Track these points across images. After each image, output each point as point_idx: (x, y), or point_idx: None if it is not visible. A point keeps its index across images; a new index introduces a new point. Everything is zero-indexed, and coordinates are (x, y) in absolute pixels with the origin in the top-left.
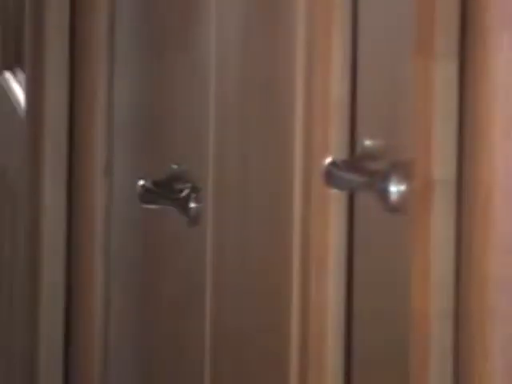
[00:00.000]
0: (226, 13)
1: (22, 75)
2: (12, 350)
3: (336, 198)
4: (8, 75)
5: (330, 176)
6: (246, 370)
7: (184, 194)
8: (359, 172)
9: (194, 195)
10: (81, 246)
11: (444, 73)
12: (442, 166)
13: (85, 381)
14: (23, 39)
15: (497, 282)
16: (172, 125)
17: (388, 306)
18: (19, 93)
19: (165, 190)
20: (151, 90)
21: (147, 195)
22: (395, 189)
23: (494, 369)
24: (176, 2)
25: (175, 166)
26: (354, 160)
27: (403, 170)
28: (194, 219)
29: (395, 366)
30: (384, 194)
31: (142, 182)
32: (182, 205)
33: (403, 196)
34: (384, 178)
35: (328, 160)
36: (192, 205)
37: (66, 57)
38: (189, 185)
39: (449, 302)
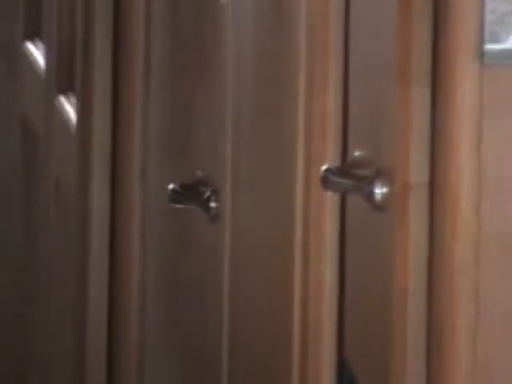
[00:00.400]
0: (241, 47)
1: (73, 98)
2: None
3: (331, 199)
4: (62, 98)
5: (326, 180)
6: (258, 344)
7: (206, 195)
8: (350, 177)
9: (214, 197)
10: (121, 238)
11: (419, 96)
12: (417, 172)
13: (125, 376)
14: (75, 68)
15: (461, 267)
16: (197, 139)
17: (373, 286)
18: (71, 113)
19: (190, 192)
20: (180, 109)
21: (176, 196)
22: (379, 191)
23: (459, 339)
24: (200, 37)
25: (199, 173)
26: (346, 167)
27: (386, 176)
28: (214, 217)
29: (378, 334)
30: (370, 195)
31: (171, 186)
32: (204, 205)
33: (386, 197)
34: (370, 182)
35: (324, 167)
36: (212, 205)
37: (108, 83)
38: (210, 188)
39: (423, 283)
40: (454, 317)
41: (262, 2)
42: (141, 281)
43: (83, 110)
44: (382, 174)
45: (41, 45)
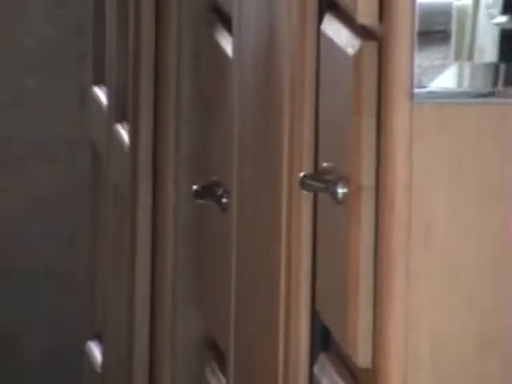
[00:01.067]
0: (243, 91)
1: (126, 126)
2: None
3: (306, 196)
4: (118, 126)
5: (303, 183)
6: (256, 299)
7: (219, 193)
8: (320, 181)
9: (224, 195)
10: (160, 227)
11: (368, 124)
12: (366, 177)
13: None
14: (127, 104)
15: (397, 245)
16: (213, 155)
17: (335, 256)
18: (125, 136)
19: (208, 191)
20: (202, 134)
21: (198, 194)
22: (340, 191)
23: (395, 286)
24: (214, 84)
25: (215, 178)
26: (317, 174)
27: (345, 180)
28: (224, 209)
29: (339, 290)
30: (334, 194)
31: (195, 187)
32: (218, 200)
33: (345, 195)
34: (334, 184)
35: (302, 174)
36: (223, 200)
37: (151, 114)
38: (222, 189)
39: (371, 260)
40: (391, 276)
41: (258, 59)
42: (174, 255)
43: (133, 134)
44: (342, 179)
45: (104, 88)
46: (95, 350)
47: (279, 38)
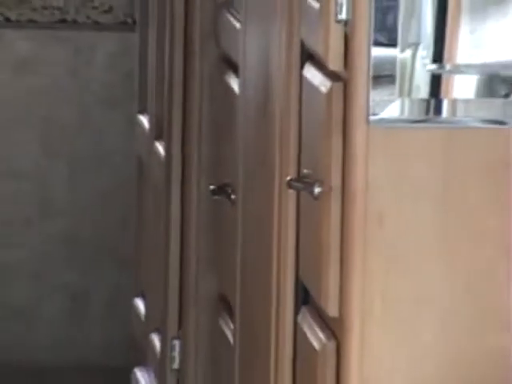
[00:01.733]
0: (246, 121)
1: (162, 143)
2: None
3: (292, 194)
4: (157, 143)
5: (290, 184)
6: (255, 270)
7: (229, 192)
8: (301, 183)
9: (233, 192)
10: (187, 219)
11: (336, 142)
12: (335, 180)
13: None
14: (163, 127)
15: (358, 229)
16: (225, 164)
17: (311, 237)
18: (161, 151)
19: (221, 190)
20: (217, 150)
21: (214, 192)
22: (317, 190)
23: (357, 264)
24: (224, 114)
25: (226, 180)
26: (300, 178)
27: (320, 182)
28: (233, 203)
29: (315, 259)
30: (312, 192)
31: (212, 187)
32: (228, 197)
33: (319, 193)
34: (311, 185)
35: (288, 178)
36: (232, 197)
37: (179, 135)
38: (231, 188)
39: (338, 239)
40: (353, 250)
41: (258, 96)
42: (196, 236)
43: (167, 149)
44: (317, 181)
45: (146, 115)
46: (140, 304)
47: (273, 80)
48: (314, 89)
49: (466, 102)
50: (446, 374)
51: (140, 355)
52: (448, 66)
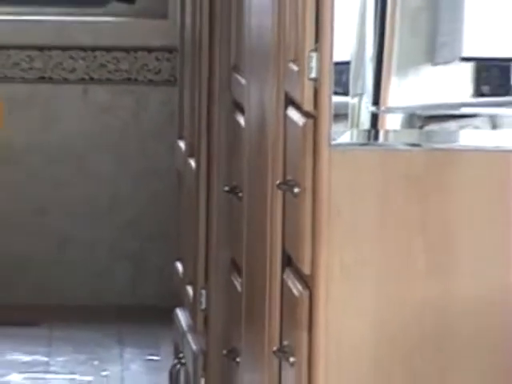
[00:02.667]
0: (251, 135)
1: (194, 159)
2: None
3: (280, 193)
4: (190, 160)
5: (279, 186)
6: (255, 243)
7: (237, 191)
8: (286, 185)
9: (240, 192)
10: (210, 210)
11: (309, 160)
12: (308, 184)
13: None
14: (194, 146)
15: (323, 218)
16: (235, 172)
17: (293, 223)
18: (193, 165)
19: (233, 190)
20: (230, 163)
21: (228, 191)
22: (296, 190)
23: (324, 238)
24: (235, 140)
25: (235, 183)
26: (285, 182)
27: (298, 185)
28: (240, 199)
29: (297, 238)
30: (292, 192)
31: (226, 188)
32: (237, 195)
33: (298, 193)
34: (292, 186)
35: (277, 182)
36: (240, 194)
37: (206, 154)
38: (239, 189)
39: (310, 223)
40: (321, 230)
41: (257, 128)
42: (217, 221)
43: (197, 164)
44: (296, 184)
45: (183, 140)
46: (179, 266)
47: (267, 118)
48: (294, 123)
49: (395, 131)
50: (383, 316)
51: (179, 300)
52: (382, 108)
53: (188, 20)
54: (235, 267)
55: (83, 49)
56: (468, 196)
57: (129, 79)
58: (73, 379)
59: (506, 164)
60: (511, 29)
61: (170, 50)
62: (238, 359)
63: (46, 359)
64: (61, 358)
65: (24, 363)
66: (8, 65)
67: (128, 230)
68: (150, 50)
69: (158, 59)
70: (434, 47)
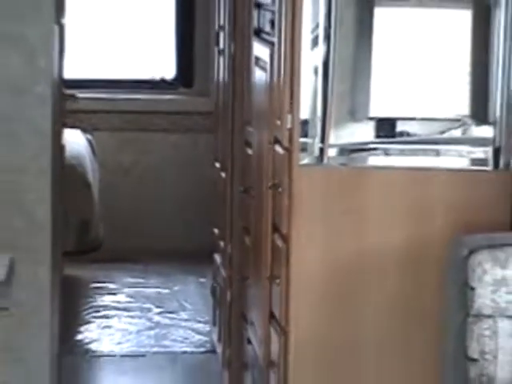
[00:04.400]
0: (254, 157)
1: (224, 172)
2: None
3: (270, 192)
4: (222, 173)
5: (270, 187)
6: (260, 221)
7: (250, 191)
8: (274, 187)
9: (251, 191)
10: (232, 203)
11: (285, 176)
12: (286, 186)
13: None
14: (225, 162)
15: (297, 206)
16: (246, 179)
17: (279, 209)
18: (224, 175)
19: (246, 190)
20: (245, 172)
21: (243, 191)
22: (280, 190)
23: (298, 214)
24: (246, 161)
25: (248, 186)
26: (274, 185)
27: (281, 187)
28: (252, 197)
29: (282, 218)
30: (278, 191)
31: (241, 188)
32: (249, 193)
33: (281, 192)
34: (277, 187)
35: (269, 184)
36: (252, 193)
37: (230, 168)
38: (251, 189)
39: (287, 211)
40: (294, 213)
41: (258, 155)
42: (237, 210)
43: (225, 173)
44: (280, 187)
45: (218, 161)
46: (216, 230)
47: (264, 151)
48: (278, 153)
49: (332, 157)
50: (326, 258)
51: (216, 248)
52: (327, 144)
53: (220, 96)
54: (246, 231)
55: (166, 113)
56: (374, 192)
57: (188, 129)
58: (158, 292)
59: (393, 175)
60: (394, 100)
61: (210, 112)
62: (247, 281)
63: (142, 280)
64: (152, 280)
65: (131, 282)
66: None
67: (190, 210)
68: (200, 113)
69: (205, 118)
70: (354, 110)
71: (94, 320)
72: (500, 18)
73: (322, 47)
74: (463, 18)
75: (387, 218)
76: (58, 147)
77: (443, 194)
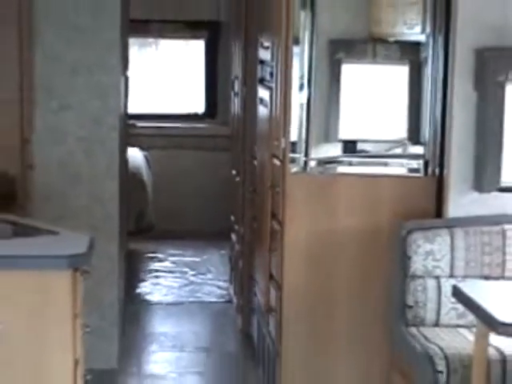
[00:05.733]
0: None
1: (238, 176)
2: None
3: (270, 191)
4: (237, 178)
5: (269, 188)
6: (262, 208)
7: (257, 191)
8: (272, 188)
9: (257, 191)
10: (245, 199)
11: (279, 184)
12: (282, 188)
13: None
14: (240, 172)
15: (289, 202)
16: (255, 181)
17: (277, 203)
18: (238, 178)
19: (254, 191)
20: (254, 176)
21: (252, 191)
22: (277, 189)
23: (290, 203)
24: (252, 171)
25: (254, 187)
26: (272, 186)
27: (277, 187)
28: (258, 195)
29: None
30: (275, 191)
31: (251, 189)
32: (255, 191)
33: (278, 192)
34: (275, 188)
35: (269, 184)
36: (256, 191)
37: (244, 173)
38: (257, 190)
39: (281, 203)
40: (284, 204)
41: (262, 168)
42: (248, 202)
43: (239, 179)
44: (277, 186)
45: (235, 169)
46: (232, 217)
47: (265, 162)
48: (275, 164)
49: (313, 167)
50: (310, 233)
51: (232, 229)
52: (309, 158)
53: (235, 125)
54: (253, 218)
55: (197, 136)
56: (341, 191)
57: (213, 148)
58: (192, 260)
59: (355, 179)
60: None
61: (228, 136)
62: (254, 253)
63: (181, 252)
64: (188, 252)
65: (173, 253)
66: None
67: (214, 203)
68: (221, 136)
69: (224, 140)
70: (327, 135)
71: (147, 279)
72: (427, 71)
73: (305, 91)
74: (403, 71)
75: (350, 208)
76: (124, 160)
77: (389, 193)
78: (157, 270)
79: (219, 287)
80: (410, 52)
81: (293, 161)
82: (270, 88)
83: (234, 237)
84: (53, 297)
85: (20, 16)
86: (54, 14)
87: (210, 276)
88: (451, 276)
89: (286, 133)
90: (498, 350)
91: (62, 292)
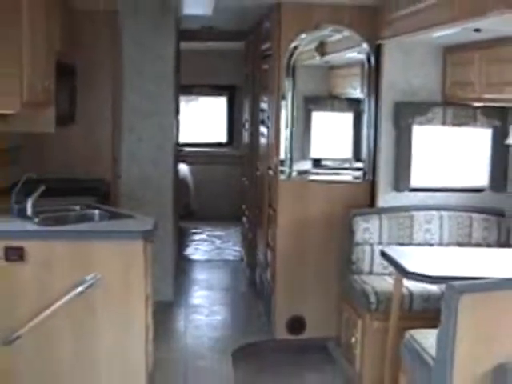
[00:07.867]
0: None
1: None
2: None
3: (267, 189)
4: (246, 182)
5: (268, 188)
6: (261, 201)
7: (256, 189)
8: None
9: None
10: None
11: (272, 184)
12: (274, 188)
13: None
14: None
15: (282, 198)
16: (258, 181)
17: (273, 196)
18: (246, 183)
19: (256, 189)
20: (255, 181)
21: (256, 189)
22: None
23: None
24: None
25: (255, 189)
26: (268, 187)
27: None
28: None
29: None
30: (270, 190)
31: (255, 189)
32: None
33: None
34: (270, 188)
35: (267, 186)
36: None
37: (250, 180)
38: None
39: (276, 198)
40: (278, 198)
41: (262, 177)
42: (254, 197)
43: (248, 182)
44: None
45: (246, 178)
46: (244, 205)
47: (264, 173)
48: (270, 174)
49: (296, 175)
50: (294, 217)
51: (243, 214)
52: (292, 170)
53: (246, 149)
54: (257, 207)
55: (221, 156)
56: (311, 191)
57: (231, 163)
58: (219, 234)
59: (321, 184)
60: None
61: (240, 156)
62: (257, 230)
63: (211, 228)
64: (217, 228)
65: (207, 229)
66: None
67: (232, 198)
68: (236, 156)
69: (238, 159)
70: (303, 155)
71: (191, 245)
72: (365, 117)
73: (289, 128)
74: (350, 117)
75: (318, 202)
76: (175, 171)
77: (341, 192)
78: (197, 240)
79: (235, 250)
80: (354, 105)
81: (282, 172)
82: (267, 126)
83: (244, 219)
84: (132, 257)
85: (114, 84)
86: (135, 82)
87: (229, 244)
88: (379, 243)
89: (277, 154)
90: (407, 288)
91: (137, 254)
